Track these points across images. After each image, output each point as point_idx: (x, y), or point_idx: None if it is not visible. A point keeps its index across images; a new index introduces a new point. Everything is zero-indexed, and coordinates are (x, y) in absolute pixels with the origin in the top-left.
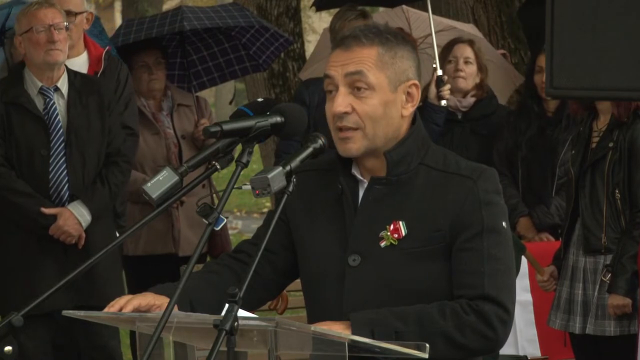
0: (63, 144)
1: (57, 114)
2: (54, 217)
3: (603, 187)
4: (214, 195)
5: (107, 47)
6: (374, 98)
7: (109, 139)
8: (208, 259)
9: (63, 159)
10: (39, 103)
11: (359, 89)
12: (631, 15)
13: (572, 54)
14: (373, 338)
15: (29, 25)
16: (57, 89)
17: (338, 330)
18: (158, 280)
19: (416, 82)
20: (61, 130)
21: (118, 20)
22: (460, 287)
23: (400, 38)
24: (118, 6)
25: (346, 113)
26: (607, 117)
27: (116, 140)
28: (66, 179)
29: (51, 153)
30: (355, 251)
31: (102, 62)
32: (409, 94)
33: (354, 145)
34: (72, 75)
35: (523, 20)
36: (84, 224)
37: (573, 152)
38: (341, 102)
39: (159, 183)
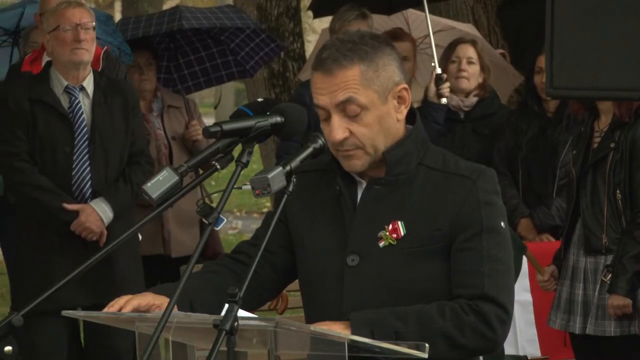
0: (87, 142)
1: (82, 113)
2: (75, 214)
3: (604, 187)
4: (206, 198)
5: (105, 47)
6: (368, 116)
7: (132, 140)
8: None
9: (86, 156)
10: (65, 101)
11: (352, 111)
12: (631, 15)
13: (572, 54)
14: (373, 338)
15: (56, 24)
16: (82, 89)
17: (338, 330)
18: (150, 280)
19: (404, 85)
20: (85, 129)
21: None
22: (459, 286)
23: (377, 44)
24: (118, 6)
25: (345, 138)
26: (608, 117)
27: (140, 142)
28: (89, 176)
29: (74, 150)
30: (354, 251)
31: (101, 62)
32: (399, 97)
33: (358, 162)
34: (98, 75)
35: (502, 21)
36: (106, 221)
37: (574, 152)
38: (337, 129)
39: (158, 183)
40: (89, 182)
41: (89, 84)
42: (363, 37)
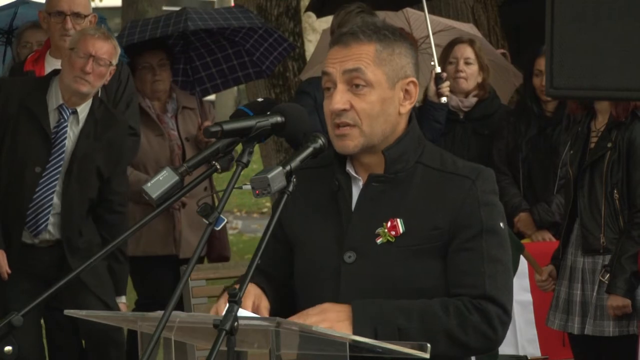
0: (59, 168)
1: (65, 137)
2: None
3: (602, 187)
4: (215, 196)
5: None
6: (372, 95)
7: (108, 177)
8: (205, 261)
9: (55, 182)
10: (53, 119)
11: (357, 85)
12: (631, 16)
13: (572, 54)
14: (375, 335)
15: (75, 45)
16: (75, 112)
17: (340, 324)
18: (158, 280)
19: (414, 79)
20: (62, 155)
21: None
22: (459, 286)
23: (398, 35)
24: None
25: (344, 110)
26: (605, 117)
27: (117, 185)
28: (50, 203)
29: (44, 173)
30: (351, 248)
31: None
32: (407, 91)
33: (351, 143)
34: (97, 104)
35: (504, 19)
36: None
37: (571, 152)
38: (339, 99)
39: (159, 183)
40: (48, 213)
41: (83, 110)
42: (388, 26)
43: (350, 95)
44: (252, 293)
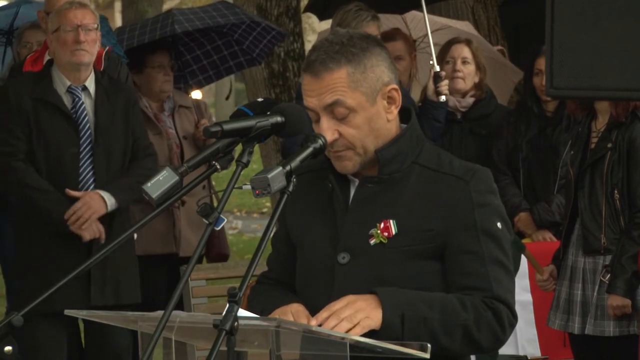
0: (90, 144)
1: (86, 114)
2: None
3: (602, 187)
4: (213, 195)
5: (107, 47)
6: (357, 118)
7: (134, 137)
8: (204, 261)
9: (90, 159)
10: (68, 102)
11: (340, 114)
12: (631, 16)
13: (572, 54)
14: (403, 322)
15: (58, 25)
16: (85, 89)
17: (375, 313)
18: (157, 280)
19: (394, 85)
20: (89, 131)
21: (118, 21)
22: (466, 288)
23: (365, 44)
24: (118, 6)
25: (335, 140)
26: (605, 117)
27: (142, 139)
28: (92, 178)
29: (80, 149)
30: (345, 249)
31: (102, 61)
32: (389, 97)
33: (349, 163)
34: (99, 74)
35: (503, 19)
36: (110, 207)
37: (572, 152)
38: (327, 131)
39: (158, 183)
40: (93, 185)
41: (91, 84)
42: (351, 38)
43: (336, 123)
44: (304, 314)
